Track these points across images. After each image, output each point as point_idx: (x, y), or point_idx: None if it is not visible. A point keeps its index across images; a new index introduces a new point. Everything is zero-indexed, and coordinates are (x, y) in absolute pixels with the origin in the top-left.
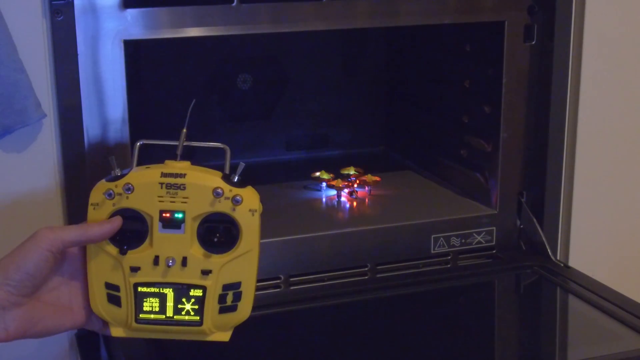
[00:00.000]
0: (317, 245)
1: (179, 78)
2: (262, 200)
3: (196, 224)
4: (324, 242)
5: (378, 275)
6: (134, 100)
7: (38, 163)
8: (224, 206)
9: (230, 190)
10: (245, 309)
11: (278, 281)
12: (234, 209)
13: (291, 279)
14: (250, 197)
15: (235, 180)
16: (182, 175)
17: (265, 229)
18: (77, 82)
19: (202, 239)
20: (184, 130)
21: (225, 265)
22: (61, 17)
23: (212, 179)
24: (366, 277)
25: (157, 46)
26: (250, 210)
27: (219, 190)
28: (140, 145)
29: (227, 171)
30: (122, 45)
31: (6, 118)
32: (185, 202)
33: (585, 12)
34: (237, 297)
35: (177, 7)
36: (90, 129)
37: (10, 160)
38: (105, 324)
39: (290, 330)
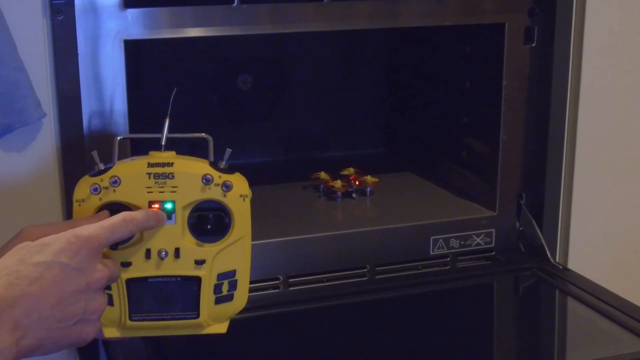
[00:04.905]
0: (316, 246)
1: (179, 78)
2: (261, 201)
3: (187, 213)
4: (323, 243)
5: (377, 277)
6: (134, 100)
7: (38, 162)
8: (214, 193)
9: (220, 177)
10: (241, 298)
11: (277, 282)
12: (224, 195)
13: (290, 280)
14: (240, 182)
15: (223, 166)
16: (170, 164)
17: (265, 230)
18: (77, 81)
19: (193, 228)
20: (167, 119)
21: (219, 254)
22: (61, 17)
23: (200, 166)
24: (365, 279)
25: (157, 46)
26: (241, 195)
27: (209, 177)
28: (120, 140)
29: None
30: (122, 45)
31: (6, 117)
32: (174, 192)
33: (585, 14)
34: (233, 285)
35: (177, 7)
36: (90, 128)
37: (10, 159)
38: None
39: (289, 331)
